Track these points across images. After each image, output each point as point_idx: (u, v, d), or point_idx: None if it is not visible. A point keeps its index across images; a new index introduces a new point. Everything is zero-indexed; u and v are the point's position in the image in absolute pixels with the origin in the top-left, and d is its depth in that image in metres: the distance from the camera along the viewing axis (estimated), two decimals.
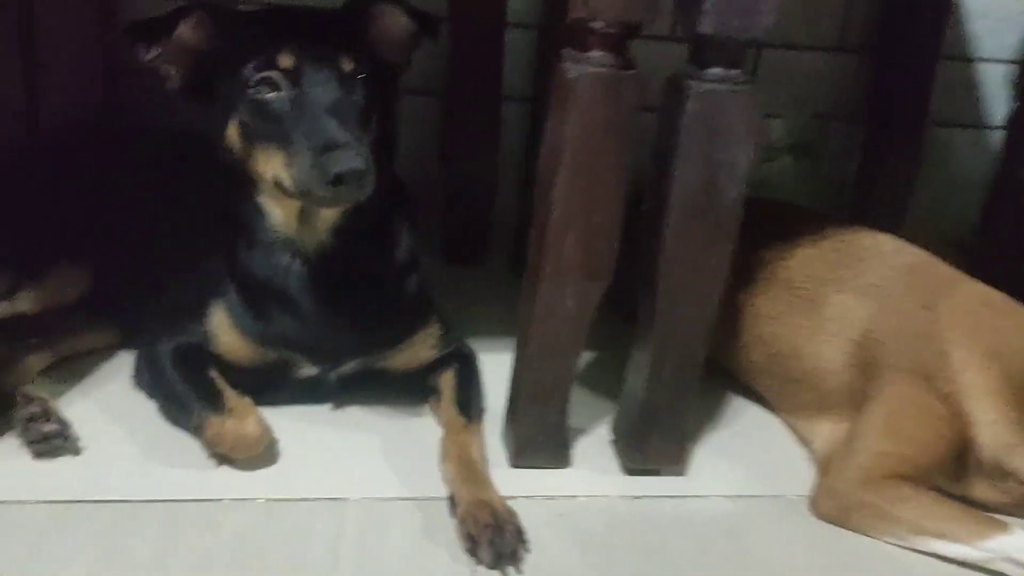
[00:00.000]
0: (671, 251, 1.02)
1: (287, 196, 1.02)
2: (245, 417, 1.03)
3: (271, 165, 1.01)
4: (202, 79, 1.06)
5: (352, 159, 0.93)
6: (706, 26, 0.94)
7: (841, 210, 1.86)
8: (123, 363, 1.21)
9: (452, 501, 0.99)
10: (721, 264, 1.04)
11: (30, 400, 1.06)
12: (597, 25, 0.94)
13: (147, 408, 1.13)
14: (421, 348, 1.19)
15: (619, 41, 0.96)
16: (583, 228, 1.01)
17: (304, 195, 0.98)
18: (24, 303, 1.19)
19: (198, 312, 1.11)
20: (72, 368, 1.20)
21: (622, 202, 1.01)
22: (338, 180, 0.93)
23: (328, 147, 0.94)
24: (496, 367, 1.20)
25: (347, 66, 1.02)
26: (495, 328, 1.26)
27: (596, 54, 0.96)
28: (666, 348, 1.06)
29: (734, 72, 0.97)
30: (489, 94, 1.62)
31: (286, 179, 0.99)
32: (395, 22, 1.11)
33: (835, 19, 1.80)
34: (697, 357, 1.08)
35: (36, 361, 1.19)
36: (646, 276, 1.06)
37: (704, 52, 0.97)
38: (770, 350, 1.25)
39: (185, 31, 1.04)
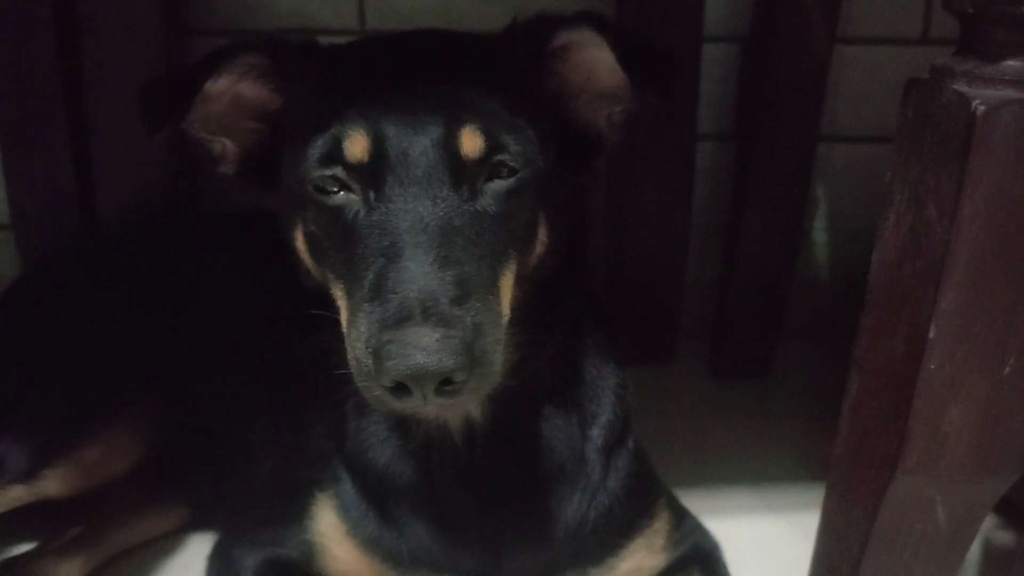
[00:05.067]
0: None
1: None
2: None
3: (343, 310, 0.60)
4: (271, 156, 0.65)
5: (428, 350, 0.51)
6: None
7: None
8: (194, 558, 0.85)
9: None
10: None
11: None
12: None
13: None
14: (644, 556, 0.75)
15: None
16: (983, 389, 0.54)
17: (363, 388, 0.56)
18: (52, 485, 0.80)
19: (297, 507, 0.74)
20: (123, 570, 0.85)
21: None
22: (398, 387, 0.52)
23: (399, 317, 0.52)
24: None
25: (472, 149, 0.58)
26: (698, 461, 0.95)
27: (1018, 65, 0.50)
28: None
29: None
30: (679, 132, 1.17)
31: (347, 349, 0.57)
32: (595, 63, 0.64)
33: None
34: None
35: (71, 570, 0.81)
36: None
37: None
38: None
39: (227, 85, 0.63)
